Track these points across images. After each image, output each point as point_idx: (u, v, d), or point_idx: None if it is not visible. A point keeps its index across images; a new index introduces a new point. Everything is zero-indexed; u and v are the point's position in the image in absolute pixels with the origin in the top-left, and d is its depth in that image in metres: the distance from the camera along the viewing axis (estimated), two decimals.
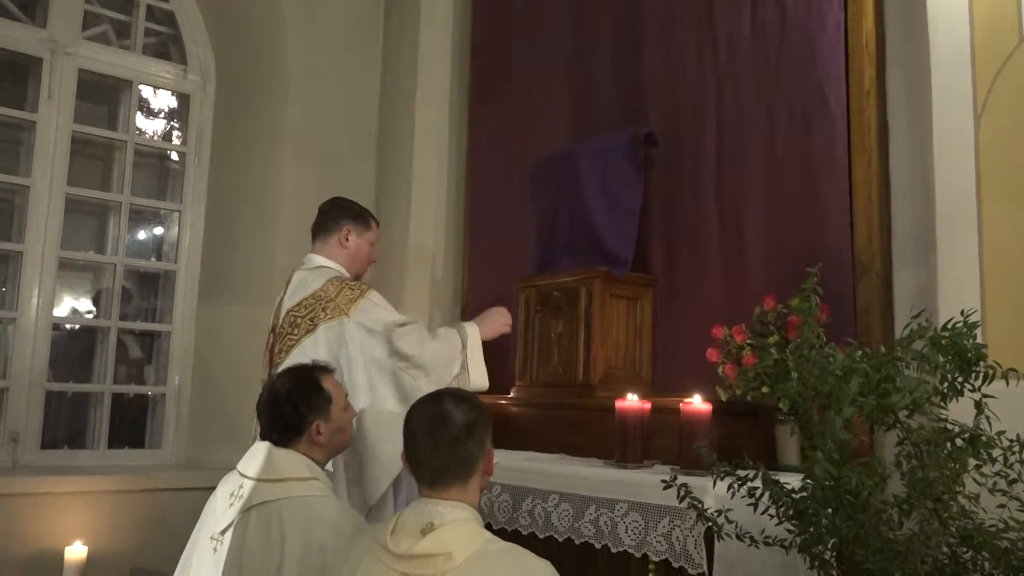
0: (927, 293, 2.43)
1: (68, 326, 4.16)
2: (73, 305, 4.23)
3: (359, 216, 2.93)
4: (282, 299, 2.82)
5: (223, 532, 2.16)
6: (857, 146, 2.64)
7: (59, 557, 3.37)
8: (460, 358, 2.73)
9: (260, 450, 2.25)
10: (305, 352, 2.62)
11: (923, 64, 2.48)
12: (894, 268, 2.60)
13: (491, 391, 3.34)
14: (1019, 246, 2.26)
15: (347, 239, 2.87)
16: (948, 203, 2.39)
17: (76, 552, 3.38)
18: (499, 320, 2.89)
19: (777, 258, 2.79)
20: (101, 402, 3.98)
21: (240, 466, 2.27)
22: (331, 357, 2.59)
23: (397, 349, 2.62)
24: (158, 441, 4.14)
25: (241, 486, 2.20)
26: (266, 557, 2.08)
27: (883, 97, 2.65)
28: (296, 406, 2.24)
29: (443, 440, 1.77)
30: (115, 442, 4.02)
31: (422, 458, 1.80)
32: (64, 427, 4.06)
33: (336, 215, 2.89)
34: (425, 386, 2.56)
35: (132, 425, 4.18)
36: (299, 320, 2.69)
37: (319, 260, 2.82)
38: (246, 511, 2.14)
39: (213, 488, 2.41)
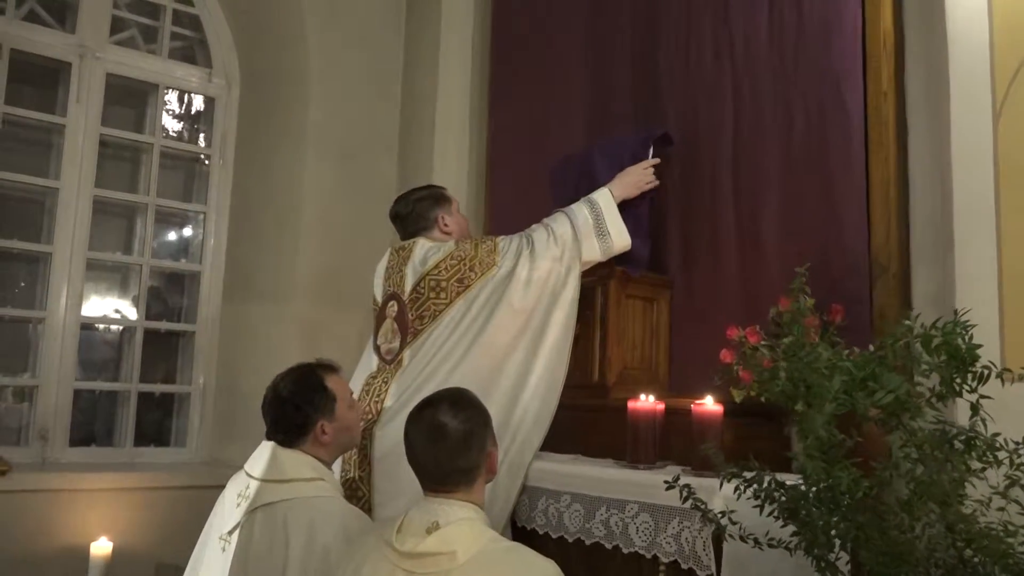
0: (945, 293, 2.39)
1: (96, 326, 4.24)
2: (100, 305, 4.30)
3: (439, 198, 3.02)
4: (402, 266, 2.86)
5: (231, 532, 2.19)
6: (875, 145, 2.60)
7: (85, 552, 3.43)
8: (581, 239, 2.80)
9: (266, 450, 2.27)
10: (461, 313, 2.72)
11: (941, 62, 2.45)
12: (912, 268, 2.56)
13: None
14: None
15: (445, 224, 2.96)
16: (966, 202, 2.35)
17: (101, 548, 3.44)
18: (637, 178, 2.89)
19: (794, 258, 2.73)
20: (128, 401, 4.05)
21: (247, 466, 2.29)
22: (489, 310, 2.71)
23: (535, 257, 2.75)
24: (183, 439, 4.20)
25: (248, 486, 2.23)
26: (271, 558, 2.10)
27: (901, 96, 2.61)
28: (300, 407, 2.25)
29: (442, 453, 1.79)
30: (140, 440, 4.09)
31: (424, 468, 1.82)
32: (92, 425, 4.14)
33: (422, 211, 2.97)
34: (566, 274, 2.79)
35: (158, 424, 4.26)
36: (443, 283, 2.76)
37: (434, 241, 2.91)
38: (252, 512, 2.16)
39: None
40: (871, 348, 1.66)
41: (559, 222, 2.85)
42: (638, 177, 2.89)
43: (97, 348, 4.26)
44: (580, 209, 2.85)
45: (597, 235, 2.81)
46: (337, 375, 2.36)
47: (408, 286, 2.82)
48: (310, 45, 4.25)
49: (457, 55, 4.25)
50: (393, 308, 2.86)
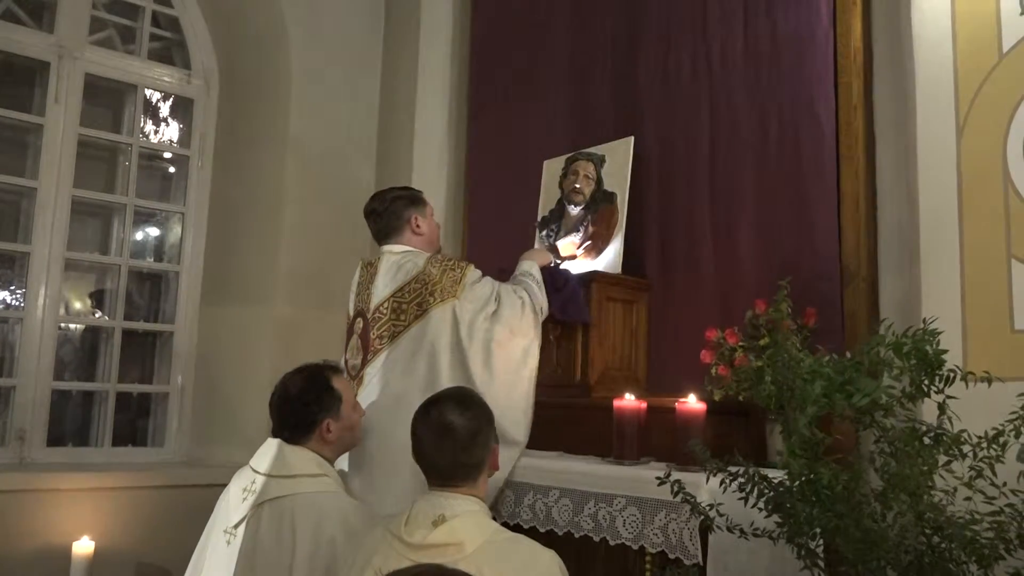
0: (911, 299, 2.54)
1: (73, 326, 4.23)
2: (78, 305, 4.30)
3: (415, 200, 3.02)
4: (369, 283, 2.88)
5: (236, 526, 2.25)
6: (845, 157, 2.75)
7: (67, 552, 3.44)
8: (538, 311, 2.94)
9: (272, 447, 2.34)
10: (418, 337, 2.73)
11: (908, 79, 2.60)
12: (880, 274, 2.71)
13: None
14: (998, 253, 2.38)
15: (418, 226, 2.96)
16: (931, 212, 2.50)
17: (84, 547, 3.45)
18: (544, 254, 3.16)
19: (768, 263, 2.90)
20: (106, 400, 4.06)
21: (252, 462, 2.36)
22: (444, 339, 2.72)
23: (500, 323, 2.80)
24: (160, 439, 4.21)
25: (254, 481, 2.29)
26: (278, 551, 2.17)
27: (870, 110, 2.76)
28: (307, 405, 2.34)
29: (449, 449, 1.88)
30: (117, 440, 4.09)
31: (430, 463, 1.91)
32: (69, 425, 4.14)
33: (396, 210, 2.96)
34: (520, 345, 2.86)
35: (130, 424, 4.26)
36: (404, 306, 2.77)
37: (401, 247, 2.91)
38: (259, 506, 2.23)
39: (215, 485, 2.51)
40: (848, 355, 1.79)
41: (524, 297, 2.92)
42: (543, 253, 3.18)
43: (68, 348, 4.25)
44: (533, 289, 2.98)
45: (539, 312, 2.96)
46: (342, 376, 2.44)
47: (372, 305, 2.85)
48: (290, 49, 4.29)
49: (436, 64, 4.33)
50: (359, 325, 2.89)
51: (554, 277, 3.07)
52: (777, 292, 2.06)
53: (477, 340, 2.74)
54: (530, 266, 3.03)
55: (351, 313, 2.98)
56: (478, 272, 2.88)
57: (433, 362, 2.71)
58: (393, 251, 2.90)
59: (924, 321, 1.80)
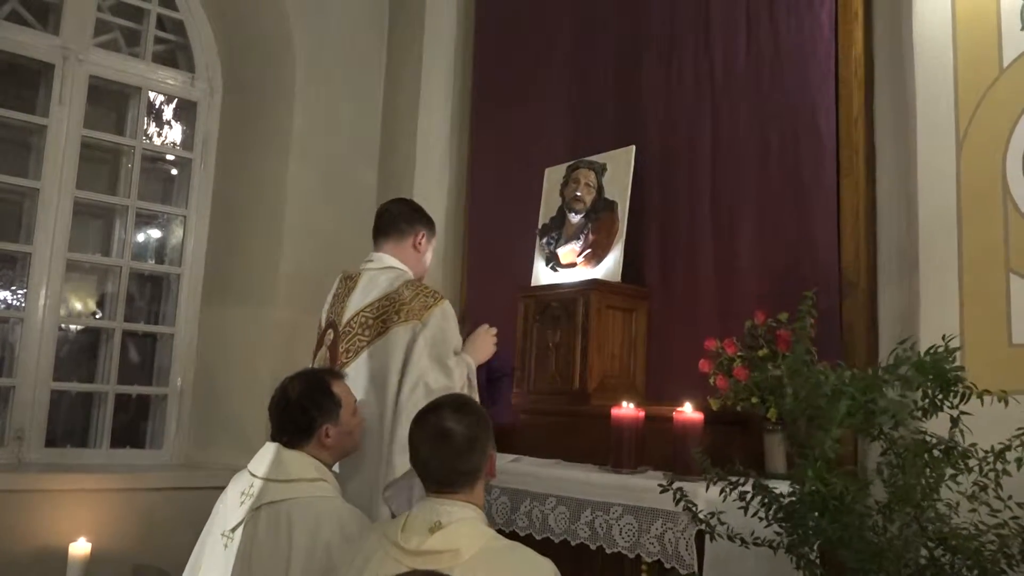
0: (910, 311, 2.55)
1: (73, 327, 4.24)
2: (78, 306, 4.30)
3: (431, 224, 2.97)
4: (346, 297, 2.82)
5: (233, 529, 2.25)
6: (845, 169, 2.77)
7: (64, 553, 3.44)
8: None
9: (270, 451, 2.35)
10: (376, 355, 2.66)
11: (909, 93, 2.61)
12: (879, 286, 2.72)
13: None
14: (996, 266, 2.39)
15: (421, 243, 2.90)
16: (931, 225, 2.52)
17: (80, 548, 3.45)
18: (488, 344, 2.91)
19: (768, 274, 2.91)
20: (104, 402, 4.06)
21: (251, 466, 2.36)
22: (397, 360, 2.62)
23: (443, 377, 2.64)
24: (159, 441, 4.21)
25: (251, 485, 2.29)
26: (274, 554, 2.17)
27: (871, 123, 2.78)
28: (306, 409, 2.34)
29: (447, 456, 1.88)
30: (116, 442, 4.09)
31: (427, 470, 1.91)
32: (67, 426, 4.14)
33: (413, 219, 2.91)
34: None
35: (132, 426, 4.26)
36: (370, 321, 2.70)
37: (388, 260, 2.83)
38: (256, 510, 2.23)
39: (213, 488, 2.50)
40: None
41: (465, 383, 2.75)
42: (487, 342, 2.93)
43: (68, 349, 4.25)
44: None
45: None
46: (342, 382, 2.45)
47: (344, 318, 2.79)
48: (294, 53, 4.31)
49: (439, 69, 4.34)
50: (330, 336, 2.84)
51: (491, 366, 2.96)
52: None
53: (415, 372, 2.62)
54: (471, 363, 2.82)
55: (322, 323, 2.92)
56: (453, 314, 2.75)
57: (384, 381, 2.63)
58: (379, 264, 2.83)
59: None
